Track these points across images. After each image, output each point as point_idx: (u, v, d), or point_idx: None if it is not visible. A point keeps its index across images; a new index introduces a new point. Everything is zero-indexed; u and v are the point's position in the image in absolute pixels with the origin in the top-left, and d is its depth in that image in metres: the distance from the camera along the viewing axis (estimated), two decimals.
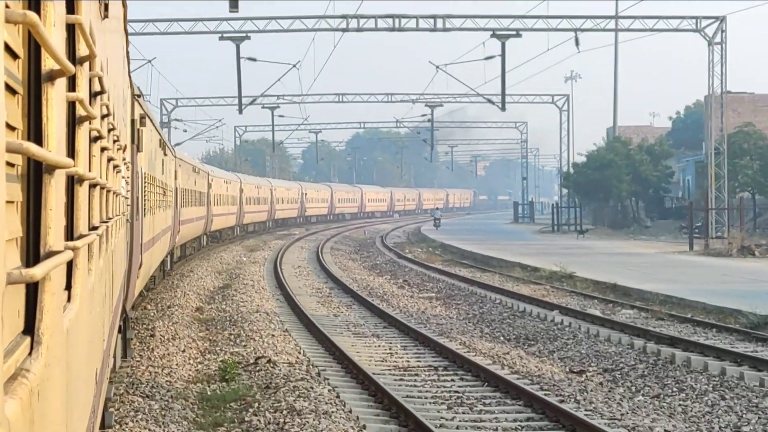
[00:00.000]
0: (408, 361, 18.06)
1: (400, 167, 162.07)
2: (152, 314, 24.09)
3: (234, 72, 56.44)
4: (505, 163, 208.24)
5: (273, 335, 20.48)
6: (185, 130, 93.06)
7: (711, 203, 50.81)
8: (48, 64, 3.12)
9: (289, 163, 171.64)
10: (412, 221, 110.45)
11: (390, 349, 19.52)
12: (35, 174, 3.10)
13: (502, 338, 21.30)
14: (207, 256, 46.23)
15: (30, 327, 2.92)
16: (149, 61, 64.87)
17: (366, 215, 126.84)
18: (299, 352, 18.45)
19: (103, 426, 11.39)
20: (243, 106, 62.45)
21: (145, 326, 21.57)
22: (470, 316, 25.16)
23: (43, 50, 3.04)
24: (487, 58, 55.32)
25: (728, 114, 77.94)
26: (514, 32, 50.10)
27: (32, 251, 3.07)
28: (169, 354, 18.09)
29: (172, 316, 23.69)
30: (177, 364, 17.05)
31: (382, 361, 18.00)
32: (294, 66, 62.59)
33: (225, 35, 51.21)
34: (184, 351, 18.59)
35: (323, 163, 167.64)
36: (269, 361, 17.37)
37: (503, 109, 56.24)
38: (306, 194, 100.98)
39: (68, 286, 4.04)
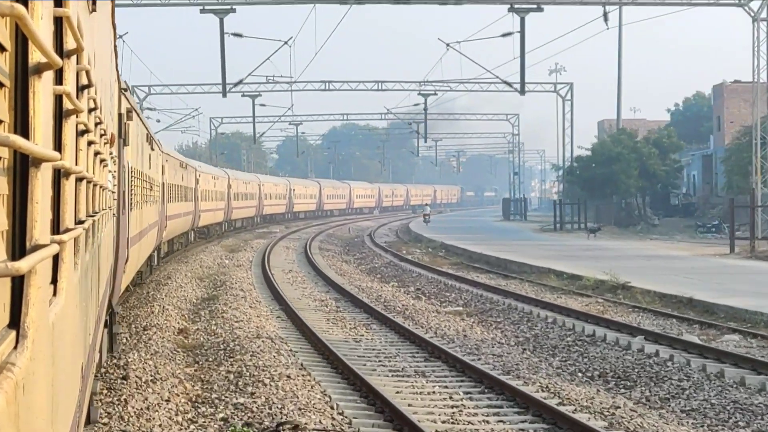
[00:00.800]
0: (486, 421, 13.29)
1: (382, 162, 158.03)
2: (125, 339, 19.41)
3: (216, 53, 52.34)
4: (486, 159, 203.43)
5: (288, 376, 15.58)
6: (158, 120, 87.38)
7: (757, 200, 45.23)
8: (35, 57, 3.11)
9: (265, 158, 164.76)
10: (393, 218, 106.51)
11: (450, 397, 14.71)
12: (21, 167, 3.09)
13: (582, 376, 16.62)
14: (185, 259, 41.89)
15: (15, 321, 2.92)
16: (120, 37, 53.86)
17: (354, 211, 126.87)
18: (332, 408, 13.66)
19: (88, 421, 11.37)
20: (227, 90, 55.14)
21: (115, 362, 16.69)
22: (521, 339, 20.64)
23: (30, 43, 3.03)
24: (504, 35, 50.42)
25: (740, 104, 74.82)
26: (535, 6, 44.84)
27: (18, 245, 3.06)
28: (148, 409, 13.39)
29: (149, 342, 19.01)
30: (161, 427, 12.55)
31: (451, 422, 13.17)
32: (285, 43, 56.60)
33: (207, 7, 45.08)
34: (168, 401, 13.96)
35: (299, 158, 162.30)
36: (295, 428, 12.48)
37: (522, 92, 51.95)
38: (294, 190, 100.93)
39: (54, 280, 4.03)
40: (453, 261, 42.30)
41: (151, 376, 15.69)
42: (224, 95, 56.60)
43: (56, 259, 4.06)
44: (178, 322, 22.37)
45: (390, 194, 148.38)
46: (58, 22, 4.03)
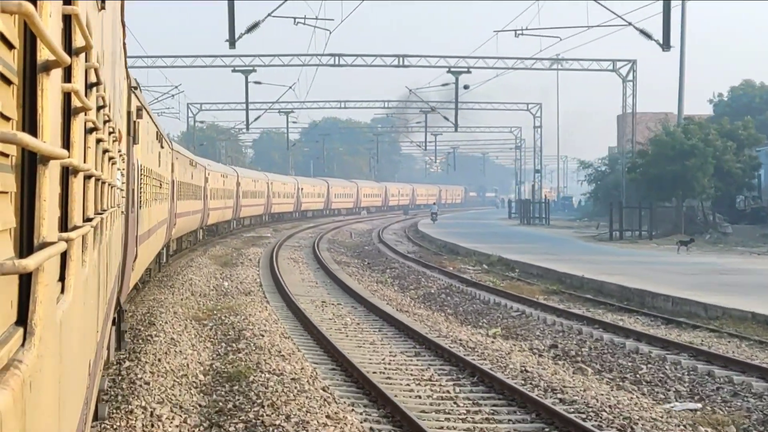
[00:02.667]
0: None
1: (376, 158, 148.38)
2: None
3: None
4: (477, 158, 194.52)
5: None
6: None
7: None
8: (43, 54, 3.11)
9: (242, 153, 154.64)
10: (383, 219, 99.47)
11: None
12: (29, 165, 3.10)
13: None
14: (170, 282, 30.40)
15: (23, 318, 2.92)
16: None
17: (361, 210, 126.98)
18: None
19: (96, 418, 11.39)
20: (236, 37, 50.02)
21: None
22: None
23: (38, 41, 3.03)
24: None
25: None
26: None
27: (26, 242, 3.07)
28: None
29: None
30: None
31: None
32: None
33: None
34: None
35: (277, 154, 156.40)
36: None
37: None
38: (302, 189, 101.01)
39: (62, 278, 4.04)
40: (542, 288, 31.30)
41: None
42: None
43: (64, 256, 4.06)
44: None
45: (396, 193, 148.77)
46: (67, 19, 4.03)
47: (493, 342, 20.67)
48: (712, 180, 57.15)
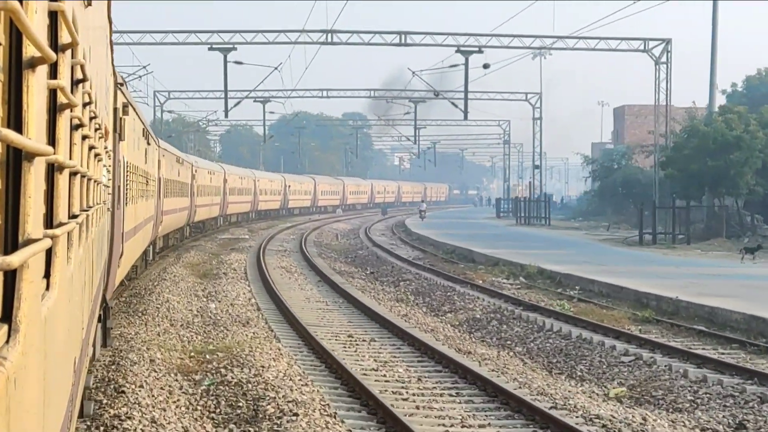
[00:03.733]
0: None
1: (356, 152, 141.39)
2: None
3: None
4: (449, 155, 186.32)
5: None
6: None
7: None
8: (29, 51, 3.11)
9: (209, 147, 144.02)
10: (361, 219, 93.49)
11: None
12: (14, 161, 3.09)
13: None
14: (140, 305, 23.64)
15: (7, 315, 2.92)
16: None
17: (348, 207, 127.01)
18: None
19: (81, 415, 11.37)
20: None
21: None
22: None
23: (24, 37, 3.03)
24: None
25: None
26: None
27: (10, 239, 3.06)
28: None
29: None
30: None
31: None
32: None
33: None
34: None
35: (245, 149, 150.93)
36: None
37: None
38: (289, 186, 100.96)
39: (47, 275, 4.03)
40: (625, 313, 24.32)
41: None
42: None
43: (49, 253, 4.05)
44: None
45: (382, 191, 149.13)
46: (53, 16, 4.02)
47: (626, 412, 13.94)
48: (754, 177, 50.66)
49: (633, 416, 13.46)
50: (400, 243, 55.26)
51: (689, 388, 15.86)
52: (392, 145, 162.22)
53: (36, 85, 3.19)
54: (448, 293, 29.03)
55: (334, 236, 61.80)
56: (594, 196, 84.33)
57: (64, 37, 4.33)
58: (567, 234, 61.62)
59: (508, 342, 21.44)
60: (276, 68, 60.33)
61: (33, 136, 3.15)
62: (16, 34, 3.03)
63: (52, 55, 3.14)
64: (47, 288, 3.98)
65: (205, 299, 26.07)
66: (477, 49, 58.45)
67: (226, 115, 58.39)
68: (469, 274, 35.02)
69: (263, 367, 15.82)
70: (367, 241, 55.33)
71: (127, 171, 19.46)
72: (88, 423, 11.76)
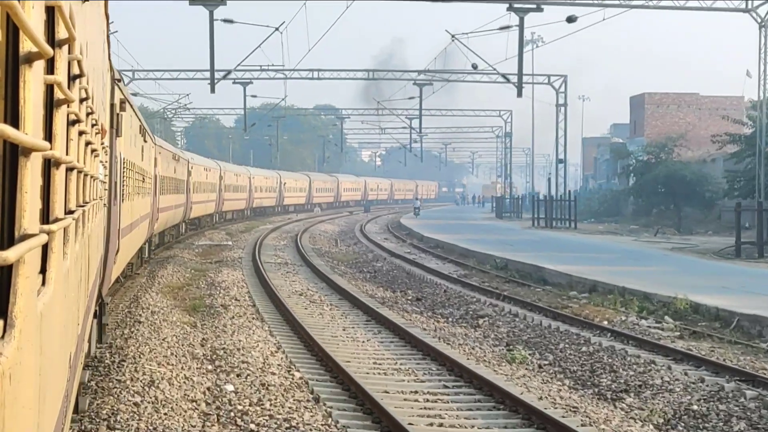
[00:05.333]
0: None
1: (340, 147, 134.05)
2: None
3: None
4: (434, 155, 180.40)
5: None
6: None
7: None
8: (26, 46, 3.10)
9: (175, 140, 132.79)
10: (346, 218, 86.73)
11: None
12: (11, 156, 3.09)
13: None
14: (116, 372, 14.91)
15: (3, 310, 2.91)
16: None
17: (341, 204, 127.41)
18: None
19: (76, 411, 11.37)
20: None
21: None
22: None
23: (21, 32, 3.02)
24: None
25: None
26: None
27: (6, 234, 3.06)
28: None
29: None
30: None
31: None
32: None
33: None
34: None
35: (210, 143, 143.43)
36: None
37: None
38: (285, 183, 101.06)
39: (43, 270, 4.03)
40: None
41: None
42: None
43: (45, 248, 4.05)
44: None
45: (376, 188, 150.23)
46: (50, 11, 4.02)
47: None
48: None
49: None
50: (416, 251, 46.82)
51: None
52: (369, 138, 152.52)
53: (33, 81, 3.19)
54: (593, 351, 18.93)
55: (330, 241, 54.47)
56: (629, 194, 71.18)
57: (61, 33, 4.33)
58: (614, 240, 50.71)
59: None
60: (277, 29, 52.28)
61: (29, 132, 3.15)
62: (12, 30, 3.03)
63: (49, 50, 3.14)
64: (43, 283, 3.97)
65: (212, 367, 16.14)
66: (535, 6, 48.08)
67: (213, 90, 52.12)
68: (572, 307, 25.25)
69: None
70: (376, 248, 48.19)
71: (124, 167, 19.45)
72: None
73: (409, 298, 27.99)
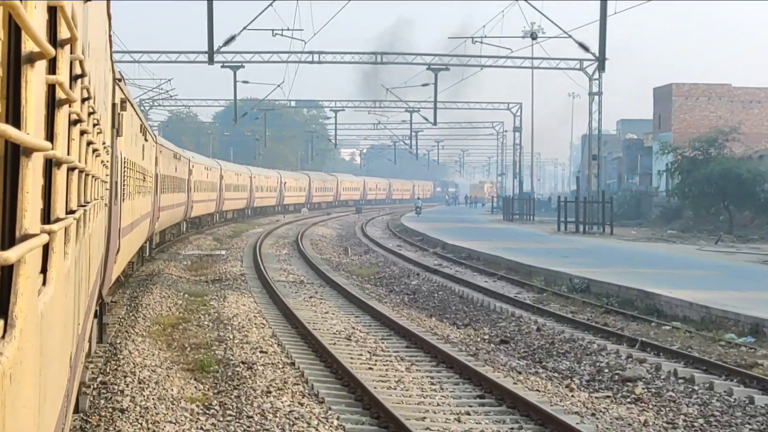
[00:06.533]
0: None
1: (335, 142, 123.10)
2: None
3: None
4: (401, 152, 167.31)
5: None
6: None
7: None
8: (28, 46, 3.10)
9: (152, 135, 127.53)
10: (339, 221, 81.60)
11: None
12: (12, 156, 3.09)
13: None
14: None
15: (4, 310, 2.92)
16: None
17: (341, 203, 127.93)
18: None
19: (77, 410, 11.37)
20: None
21: None
22: None
23: (23, 32, 3.02)
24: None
25: None
26: None
27: (7, 234, 3.06)
28: None
29: None
30: None
31: None
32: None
33: None
34: None
35: (187, 138, 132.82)
36: None
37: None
38: (285, 183, 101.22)
39: (44, 270, 4.03)
40: None
41: None
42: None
43: (46, 248, 4.05)
44: None
45: (374, 188, 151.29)
46: (53, 11, 4.02)
47: None
48: None
49: None
50: (447, 262, 39.94)
51: None
52: (358, 134, 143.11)
53: (34, 81, 3.19)
54: None
55: (335, 248, 48.36)
56: (673, 194, 64.31)
57: (63, 33, 4.33)
58: (678, 251, 43.45)
59: None
60: (271, 4, 50.33)
61: (31, 132, 3.15)
62: (15, 30, 3.03)
63: (51, 50, 3.14)
64: (44, 283, 3.97)
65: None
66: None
67: (211, 62, 50.61)
68: (762, 365, 17.38)
69: None
70: (394, 257, 42.05)
71: (125, 167, 19.46)
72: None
73: (491, 338, 20.84)
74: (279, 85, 73.24)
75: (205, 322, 21.19)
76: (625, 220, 69.00)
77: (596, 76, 60.11)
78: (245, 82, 74.45)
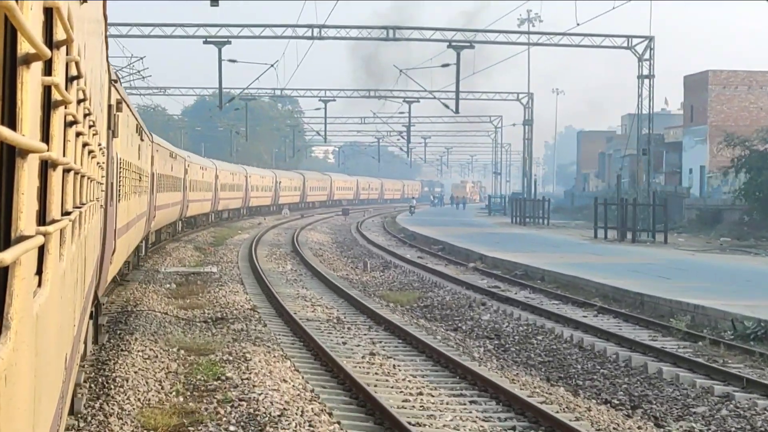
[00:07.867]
0: None
1: (324, 136, 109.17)
2: None
3: None
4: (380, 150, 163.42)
5: None
6: None
7: None
8: (24, 47, 3.10)
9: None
10: (330, 222, 77.68)
11: None
12: (8, 158, 3.09)
13: None
14: None
15: None
16: None
17: (334, 203, 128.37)
18: None
19: (72, 411, 11.37)
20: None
21: None
22: None
23: (19, 33, 3.02)
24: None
25: None
26: None
27: (3, 236, 3.06)
28: None
29: None
30: None
31: None
32: None
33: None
34: None
35: (154, 133, 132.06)
36: None
37: None
38: (280, 182, 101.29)
39: (39, 271, 4.03)
40: None
41: None
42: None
43: (42, 250, 4.05)
44: None
45: (367, 187, 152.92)
46: (48, 12, 4.02)
47: None
48: None
49: None
50: (506, 283, 31.37)
51: None
52: (345, 128, 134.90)
53: (30, 82, 3.19)
54: None
55: (343, 259, 41.84)
56: (738, 194, 54.99)
57: (59, 34, 4.32)
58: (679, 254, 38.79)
59: None
60: None
61: (27, 133, 3.14)
62: (11, 31, 3.03)
63: (47, 51, 3.14)
64: (39, 285, 3.97)
65: None
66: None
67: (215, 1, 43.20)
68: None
69: None
70: (426, 273, 34.70)
71: (121, 167, 19.45)
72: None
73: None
74: (273, 65, 63.16)
75: (231, 428, 11.66)
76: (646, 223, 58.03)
77: (647, 56, 53.35)
78: (232, 60, 61.75)
